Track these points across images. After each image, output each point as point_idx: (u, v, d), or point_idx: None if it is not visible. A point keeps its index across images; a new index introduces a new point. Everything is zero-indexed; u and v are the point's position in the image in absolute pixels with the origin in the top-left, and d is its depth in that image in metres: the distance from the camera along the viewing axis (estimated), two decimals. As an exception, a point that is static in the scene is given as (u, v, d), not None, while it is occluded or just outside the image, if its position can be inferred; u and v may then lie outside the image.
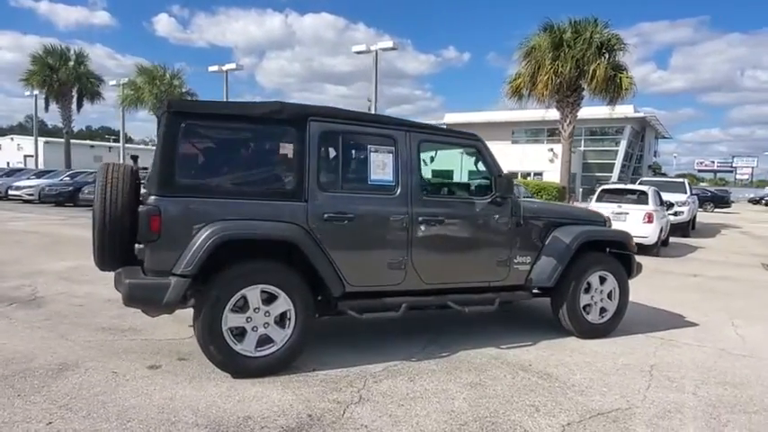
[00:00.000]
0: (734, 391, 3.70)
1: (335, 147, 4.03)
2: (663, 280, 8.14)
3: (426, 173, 4.51)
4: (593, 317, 4.88)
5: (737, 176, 77.05)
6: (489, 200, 4.49)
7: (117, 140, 43.69)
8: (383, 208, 4.06)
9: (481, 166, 4.64)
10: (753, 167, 75.66)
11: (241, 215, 3.62)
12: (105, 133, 69.51)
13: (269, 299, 3.66)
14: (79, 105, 31.30)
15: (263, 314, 3.64)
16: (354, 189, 4.06)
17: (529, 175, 34.23)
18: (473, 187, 4.77)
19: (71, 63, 30.15)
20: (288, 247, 3.68)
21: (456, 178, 5.33)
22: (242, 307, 3.60)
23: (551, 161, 33.95)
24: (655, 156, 51.28)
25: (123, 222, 3.71)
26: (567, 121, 16.96)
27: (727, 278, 8.67)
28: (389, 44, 19.31)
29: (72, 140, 33.41)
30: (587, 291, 4.83)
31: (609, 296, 4.95)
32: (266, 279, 3.63)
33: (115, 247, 3.76)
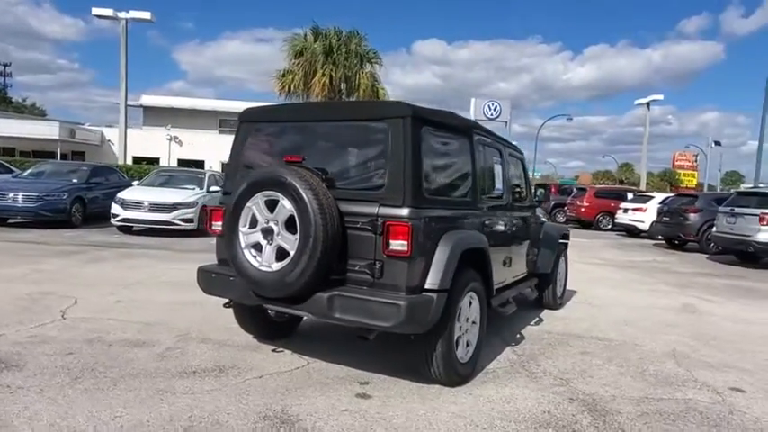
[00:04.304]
0: (691, 328, 5.70)
1: (482, 158, 4.30)
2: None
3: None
4: (558, 292, 6.37)
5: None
6: (529, 204, 5.45)
7: None
8: (503, 213, 4.57)
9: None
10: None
11: (456, 225, 3.64)
12: None
13: (470, 304, 3.79)
14: None
15: (465, 319, 3.75)
16: (490, 197, 4.43)
17: (243, 166, 34.44)
18: (518, 193, 5.59)
19: None
20: (479, 254, 3.86)
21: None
22: (458, 316, 3.64)
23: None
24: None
25: (339, 239, 3.25)
26: (331, 121, 18.37)
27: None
28: (146, 15, 16.78)
29: None
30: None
31: (562, 275, 6.54)
32: (474, 287, 3.76)
33: (329, 268, 3.24)
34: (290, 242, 3.25)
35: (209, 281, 3.86)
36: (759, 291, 8.56)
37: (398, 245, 3.15)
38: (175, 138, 34.03)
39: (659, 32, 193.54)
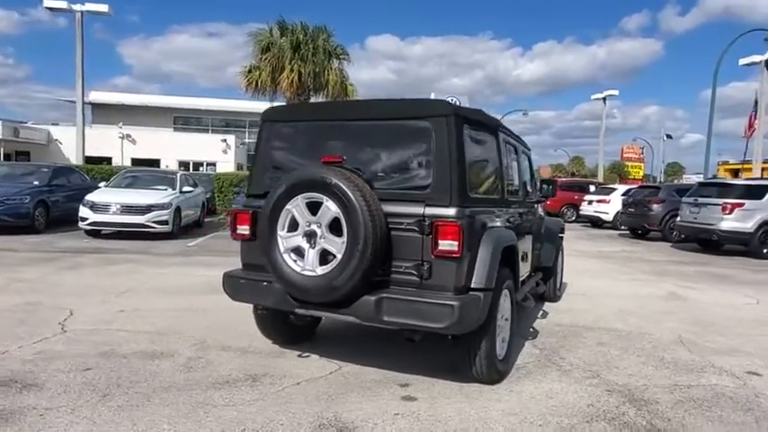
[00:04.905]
0: (686, 315, 5.93)
1: (506, 155, 4.31)
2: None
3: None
4: (557, 285, 6.51)
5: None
6: (536, 199, 5.52)
7: None
8: (520, 209, 4.61)
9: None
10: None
11: (492, 223, 3.64)
12: None
13: (503, 302, 3.79)
14: None
15: (500, 317, 3.76)
16: (511, 193, 4.46)
17: (201, 165, 33.49)
18: (528, 189, 5.64)
19: None
20: (511, 251, 3.87)
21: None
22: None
23: (225, 152, 34.09)
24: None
25: (386, 241, 3.19)
26: (299, 118, 18.06)
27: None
28: (103, 8, 15.88)
29: None
30: (555, 265, 6.41)
31: (560, 268, 6.67)
32: (508, 284, 3.77)
33: (375, 271, 3.17)
34: (336, 245, 3.16)
35: (236, 287, 3.72)
36: (731, 277, 9.01)
37: (448, 245, 3.12)
38: (128, 136, 32.72)
39: (603, 30, 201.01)
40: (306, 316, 3.96)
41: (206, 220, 14.14)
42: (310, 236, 3.24)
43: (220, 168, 30.66)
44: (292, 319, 4.17)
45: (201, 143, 34.42)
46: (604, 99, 26.75)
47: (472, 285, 3.26)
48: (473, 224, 3.28)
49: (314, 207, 3.23)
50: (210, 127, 38.62)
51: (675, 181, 51.50)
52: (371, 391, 3.45)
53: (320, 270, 3.21)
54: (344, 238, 3.12)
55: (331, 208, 3.15)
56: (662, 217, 14.26)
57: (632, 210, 15.12)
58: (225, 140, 34.13)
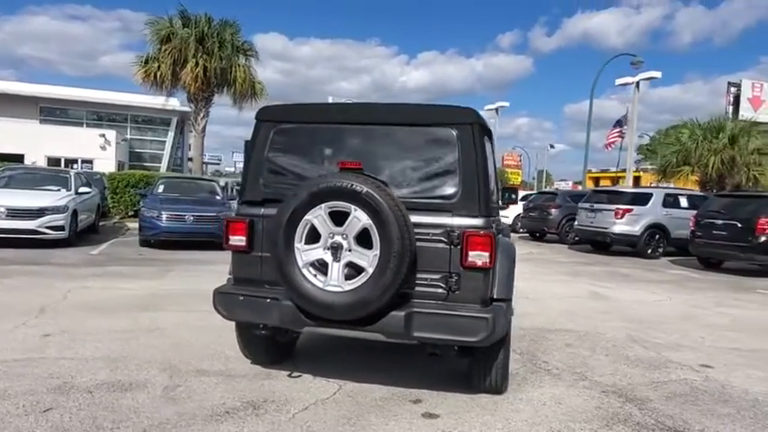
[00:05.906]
0: (620, 314, 6.42)
1: (494, 162, 4.31)
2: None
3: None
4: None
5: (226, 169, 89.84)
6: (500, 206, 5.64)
7: None
8: (500, 215, 4.67)
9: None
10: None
11: (500, 232, 3.63)
12: None
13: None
14: None
15: (506, 325, 3.77)
16: (497, 201, 4.48)
17: (75, 162, 30.17)
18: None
19: None
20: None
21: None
22: (503, 323, 3.64)
23: (104, 148, 31.03)
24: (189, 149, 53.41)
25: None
26: (201, 115, 16.99)
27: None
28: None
29: None
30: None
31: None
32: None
33: (403, 284, 3.00)
34: (367, 258, 2.94)
35: (233, 305, 3.32)
36: (632, 275, 9.97)
37: (478, 256, 3.05)
38: (-17, 127, 28.53)
39: (481, 44, 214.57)
40: (292, 333, 3.70)
41: (100, 223, 12.73)
42: (335, 249, 2.98)
43: (98, 166, 27.73)
44: (276, 337, 3.86)
45: (75, 138, 30.97)
46: (497, 110, 28.59)
47: (495, 296, 3.22)
48: (497, 234, 3.25)
49: (339, 217, 2.98)
50: (85, 120, 34.87)
51: (548, 187, 56.45)
52: (388, 411, 3.27)
53: (348, 285, 2.96)
54: (376, 251, 2.91)
55: (361, 218, 2.92)
56: (559, 221, 15.44)
57: (533, 214, 16.21)
58: (104, 135, 30.97)
